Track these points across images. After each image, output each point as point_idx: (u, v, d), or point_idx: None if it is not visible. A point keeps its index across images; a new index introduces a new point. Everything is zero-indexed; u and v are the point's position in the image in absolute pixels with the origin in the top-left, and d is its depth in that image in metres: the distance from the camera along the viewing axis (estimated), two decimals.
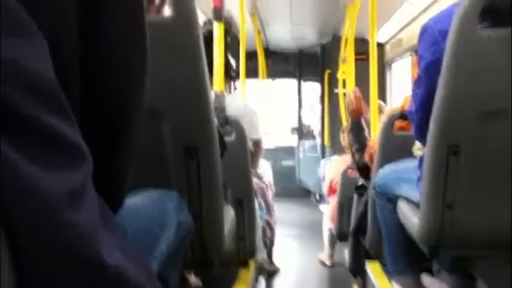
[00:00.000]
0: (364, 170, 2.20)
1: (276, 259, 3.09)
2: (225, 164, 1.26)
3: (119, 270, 0.43)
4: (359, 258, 2.24)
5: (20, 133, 0.35)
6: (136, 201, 0.82)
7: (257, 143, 2.27)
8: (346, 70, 3.83)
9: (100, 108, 0.55)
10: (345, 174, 2.77)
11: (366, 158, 2.14)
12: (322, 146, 5.50)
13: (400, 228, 1.56)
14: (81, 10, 0.48)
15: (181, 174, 1.12)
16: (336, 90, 4.94)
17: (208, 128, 1.11)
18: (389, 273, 1.75)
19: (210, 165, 1.14)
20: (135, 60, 0.57)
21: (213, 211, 1.19)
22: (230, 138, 1.68)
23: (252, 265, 2.03)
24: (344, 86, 4.13)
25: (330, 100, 5.31)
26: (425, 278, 1.67)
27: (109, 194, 0.55)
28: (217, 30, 1.81)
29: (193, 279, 1.81)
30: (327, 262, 3.24)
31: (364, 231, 2.08)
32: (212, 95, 1.74)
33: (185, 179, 1.12)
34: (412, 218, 1.38)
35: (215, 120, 1.14)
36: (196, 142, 1.10)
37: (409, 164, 1.51)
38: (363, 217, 2.09)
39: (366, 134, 2.37)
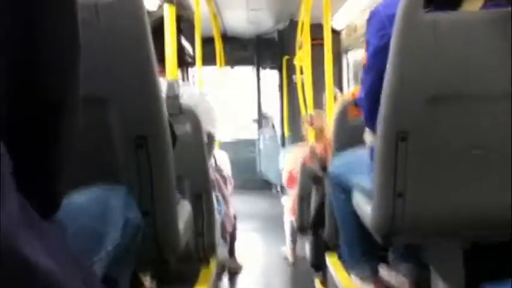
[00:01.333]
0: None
1: (239, 254, 3.03)
2: (181, 156, 1.20)
3: (46, 273, 0.41)
4: (319, 251, 2.22)
5: None
6: (78, 200, 0.78)
7: (211, 136, 2.19)
8: (303, 56, 3.78)
9: (27, 105, 0.51)
10: (304, 165, 2.73)
11: (321, 149, 2.13)
12: (283, 135, 5.49)
13: (355, 218, 1.53)
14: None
15: (130, 167, 1.07)
16: (294, 77, 4.91)
17: (157, 115, 1.06)
18: (346, 264, 1.73)
19: (161, 155, 1.08)
20: (65, 51, 0.55)
21: (166, 205, 1.14)
22: (184, 129, 1.60)
23: (213, 263, 1.95)
24: (302, 72, 4.09)
25: (289, 87, 5.28)
26: (382, 268, 1.66)
27: (41, 195, 0.53)
28: (168, 13, 1.72)
29: (148, 282, 1.73)
30: (289, 256, 3.21)
31: (323, 223, 2.05)
32: (165, 82, 1.66)
33: (135, 171, 1.07)
34: (365, 208, 1.36)
35: (165, 108, 1.09)
36: (145, 131, 1.05)
37: (361, 153, 1.48)
38: (321, 208, 2.06)
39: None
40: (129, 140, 1.05)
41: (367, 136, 1.52)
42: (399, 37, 1.08)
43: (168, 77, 1.74)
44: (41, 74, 0.51)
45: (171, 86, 1.63)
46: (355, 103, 1.75)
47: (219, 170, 2.69)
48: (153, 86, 1.03)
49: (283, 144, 5.37)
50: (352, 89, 2.19)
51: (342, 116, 1.86)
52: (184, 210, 1.37)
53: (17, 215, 0.39)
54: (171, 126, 1.17)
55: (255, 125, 6.23)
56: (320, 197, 2.09)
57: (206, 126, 1.85)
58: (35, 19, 0.49)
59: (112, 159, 1.07)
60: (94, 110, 1.01)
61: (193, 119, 1.63)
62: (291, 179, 3.09)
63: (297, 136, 4.66)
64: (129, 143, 1.05)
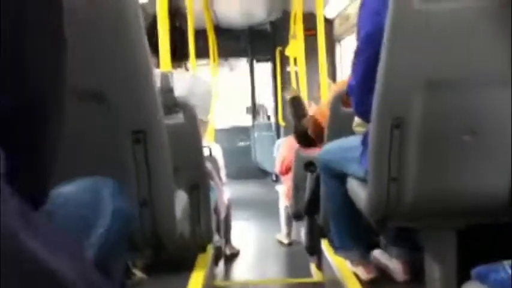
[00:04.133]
0: (303, 138, 2.22)
1: (234, 240, 3.07)
2: (176, 148, 1.21)
3: (41, 261, 0.41)
4: (314, 236, 2.25)
5: None
6: (68, 189, 0.78)
7: (204, 123, 2.21)
8: (296, 47, 3.79)
9: (12, 98, 0.51)
10: (298, 152, 2.76)
11: (309, 128, 2.16)
12: (277, 124, 5.50)
13: (345, 203, 1.55)
14: None
15: (128, 160, 1.08)
16: (287, 68, 4.92)
17: (153, 109, 1.07)
18: (336, 248, 1.76)
19: (158, 149, 1.10)
20: (49, 41, 0.53)
21: (163, 196, 1.15)
22: (179, 121, 1.62)
23: (210, 249, 2.00)
24: (295, 63, 4.10)
25: (283, 78, 5.29)
26: (376, 253, 1.69)
27: (30, 184, 0.53)
28: (160, 4, 1.72)
29: (139, 273, 1.76)
30: (284, 241, 3.25)
31: (317, 208, 2.08)
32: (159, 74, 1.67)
33: (133, 164, 1.08)
34: (360, 193, 1.38)
35: (160, 102, 1.10)
36: (143, 125, 1.06)
37: (352, 142, 1.49)
38: (314, 194, 2.08)
39: (304, 107, 2.41)
40: (126, 134, 1.06)
41: (356, 124, 1.54)
42: (393, 22, 1.09)
43: (162, 69, 1.75)
44: (26, 64, 0.51)
45: (165, 78, 1.63)
46: (347, 92, 1.77)
47: (213, 161, 2.71)
48: (149, 81, 1.04)
49: (277, 133, 5.39)
50: (344, 77, 2.22)
51: (337, 104, 1.89)
52: (181, 200, 1.40)
53: (16, 210, 0.40)
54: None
55: (249, 114, 6.23)
56: (314, 184, 2.11)
57: (200, 115, 1.87)
58: (21, 9, 0.49)
59: (109, 152, 1.08)
60: (90, 105, 1.03)
61: (188, 110, 1.64)
62: (285, 166, 3.11)
63: (291, 126, 4.68)
64: (126, 137, 1.06)
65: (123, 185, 0.95)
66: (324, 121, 2.16)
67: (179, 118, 1.63)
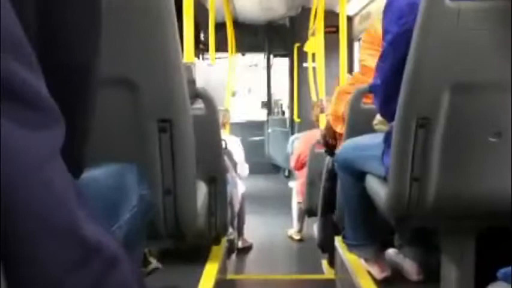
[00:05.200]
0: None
1: (246, 235, 3.09)
2: (196, 139, 1.23)
3: (93, 236, 0.43)
4: (327, 233, 2.26)
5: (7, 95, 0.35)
6: (95, 172, 0.79)
7: (224, 113, 2.23)
8: (315, 43, 3.79)
9: (52, 75, 0.51)
10: (313, 149, 2.77)
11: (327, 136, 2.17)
12: (291, 121, 5.50)
13: (361, 201, 1.56)
14: None
15: (154, 148, 1.10)
16: (305, 64, 4.91)
17: (181, 99, 1.09)
18: (350, 246, 1.77)
19: (183, 138, 1.12)
20: (86, 24, 0.55)
21: (186, 185, 1.17)
22: (200, 112, 1.63)
23: (224, 241, 2.03)
24: (313, 60, 4.10)
25: (299, 74, 5.28)
26: (390, 253, 1.69)
27: (69, 156, 0.53)
28: None
29: (154, 262, 1.79)
30: (296, 237, 3.26)
31: (331, 206, 2.08)
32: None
33: (158, 153, 1.10)
34: (379, 192, 1.38)
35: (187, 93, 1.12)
36: (170, 114, 1.08)
37: (371, 140, 1.50)
38: (330, 191, 2.09)
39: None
40: (153, 122, 1.08)
41: (376, 122, 1.54)
42: (423, 24, 1.09)
43: (185, 60, 1.76)
44: (65, 35, 0.53)
45: (188, 69, 1.65)
46: (369, 90, 1.77)
47: (228, 154, 2.73)
48: (179, 70, 1.06)
49: (291, 129, 5.39)
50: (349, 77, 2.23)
51: (357, 102, 1.88)
52: (201, 190, 1.41)
53: (71, 182, 0.42)
54: None
55: (264, 110, 6.24)
56: (330, 180, 2.12)
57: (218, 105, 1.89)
58: None
59: (135, 139, 1.10)
60: (120, 92, 1.05)
61: (209, 103, 1.65)
62: (299, 162, 3.12)
63: (305, 123, 4.68)
64: (153, 126, 1.08)
65: (148, 172, 0.97)
66: (337, 120, 2.20)
67: (200, 109, 1.64)
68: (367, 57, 1.95)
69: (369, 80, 1.61)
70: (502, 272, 0.74)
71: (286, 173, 5.59)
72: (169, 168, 1.13)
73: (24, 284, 0.38)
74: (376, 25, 1.80)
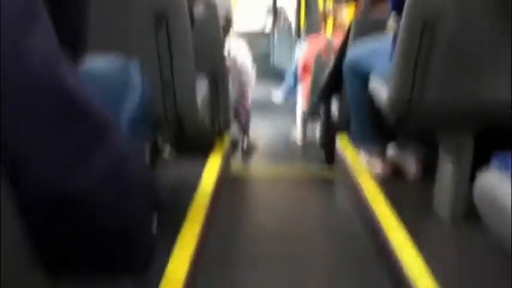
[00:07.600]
0: None
1: (252, 137, 3.18)
2: (197, 39, 1.24)
3: (80, 97, 0.41)
4: (329, 132, 2.34)
5: None
6: (98, 62, 0.79)
7: (228, 20, 2.21)
8: None
9: None
10: (319, 56, 2.77)
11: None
12: (298, 28, 5.36)
13: (368, 103, 1.61)
14: None
15: (150, 40, 1.11)
16: None
17: None
18: (356, 142, 1.86)
19: (179, 31, 1.13)
20: None
21: (185, 77, 1.20)
22: (200, 12, 1.63)
23: (227, 137, 2.13)
24: None
25: None
26: (391, 148, 1.78)
27: (70, 38, 0.53)
28: None
29: (167, 150, 1.89)
30: (299, 143, 3.36)
31: (331, 93, 2.14)
32: None
33: (155, 45, 1.12)
34: (382, 92, 1.41)
35: None
36: (165, 6, 1.08)
37: (382, 40, 1.51)
38: (333, 76, 2.10)
39: None
40: (150, 13, 1.08)
41: (391, 23, 1.53)
42: None
43: None
44: None
45: None
46: None
47: (233, 59, 2.73)
48: None
49: (298, 36, 5.26)
50: None
51: (366, 7, 1.86)
52: (202, 86, 1.45)
53: (56, 44, 0.41)
54: (189, 6, 1.20)
55: (269, 17, 6.03)
56: (333, 66, 2.11)
57: (221, 11, 1.87)
58: None
59: (133, 34, 1.12)
60: None
61: (209, 2, 1.65)
62: (305, 69, 3.12)
63: (311, 29, 4.57)
64: (149, 17, 1.08)
65: (145, 66, 1.00)
66: None
67: (200, 9, 1.64)
68: None
69: None
70: (495, 159, 0.69)
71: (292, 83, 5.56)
72: (167, 61, 1.15)
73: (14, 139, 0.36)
74: None
